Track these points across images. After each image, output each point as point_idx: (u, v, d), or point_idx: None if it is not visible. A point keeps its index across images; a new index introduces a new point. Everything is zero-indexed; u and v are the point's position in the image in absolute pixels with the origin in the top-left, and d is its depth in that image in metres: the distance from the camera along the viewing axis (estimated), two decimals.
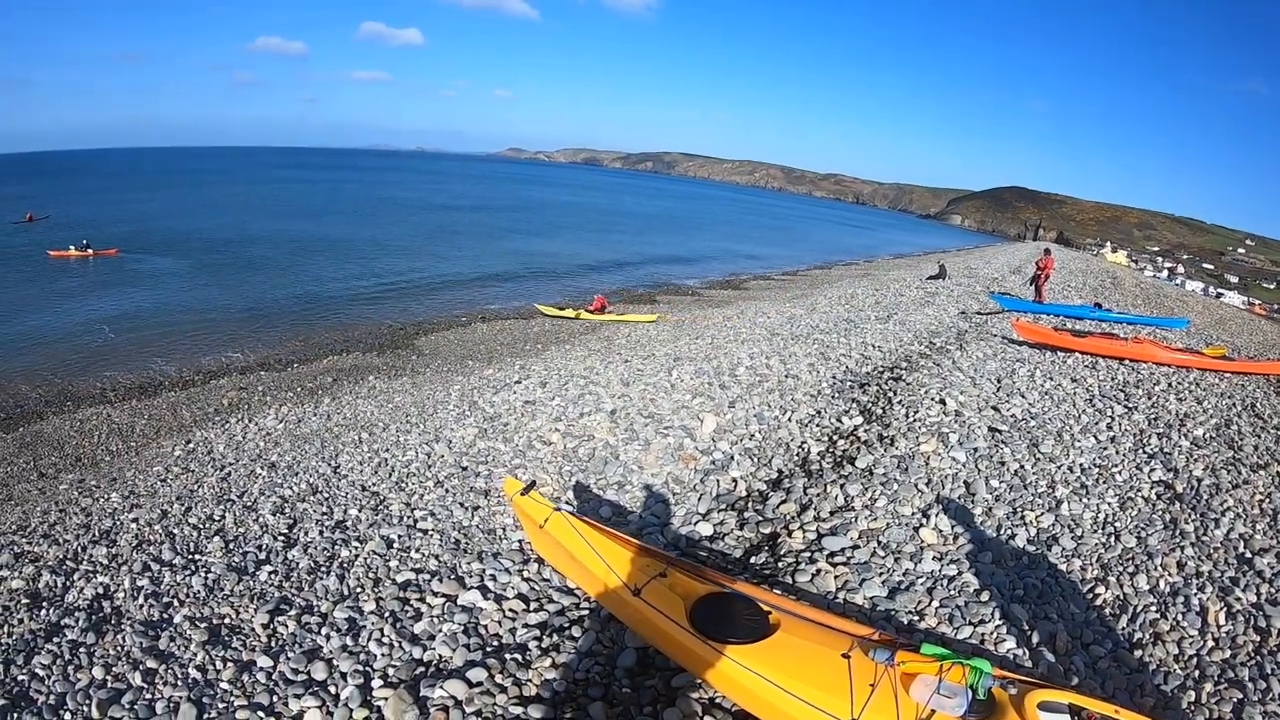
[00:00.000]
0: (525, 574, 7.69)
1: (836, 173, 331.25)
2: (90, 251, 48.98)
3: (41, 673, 6.56)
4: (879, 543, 7.81)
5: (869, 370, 15.21)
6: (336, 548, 8.79)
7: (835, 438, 11.22)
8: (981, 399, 12.52)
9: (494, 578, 7.66)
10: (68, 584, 8.42)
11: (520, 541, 8.51)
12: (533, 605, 7.14)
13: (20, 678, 6.52)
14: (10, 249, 51.96)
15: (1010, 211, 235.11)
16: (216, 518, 10.21)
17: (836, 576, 7.24)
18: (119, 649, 6.85)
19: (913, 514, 8.36)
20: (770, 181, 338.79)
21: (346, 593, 7.63)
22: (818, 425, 11.75)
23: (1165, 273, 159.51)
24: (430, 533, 9.02)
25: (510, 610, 7.04)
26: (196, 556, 8.89)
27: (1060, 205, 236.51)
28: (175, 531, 9.78)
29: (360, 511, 9.96)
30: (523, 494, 6.94)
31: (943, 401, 12.31)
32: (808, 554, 7.75)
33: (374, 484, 11.13)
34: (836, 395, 13.34)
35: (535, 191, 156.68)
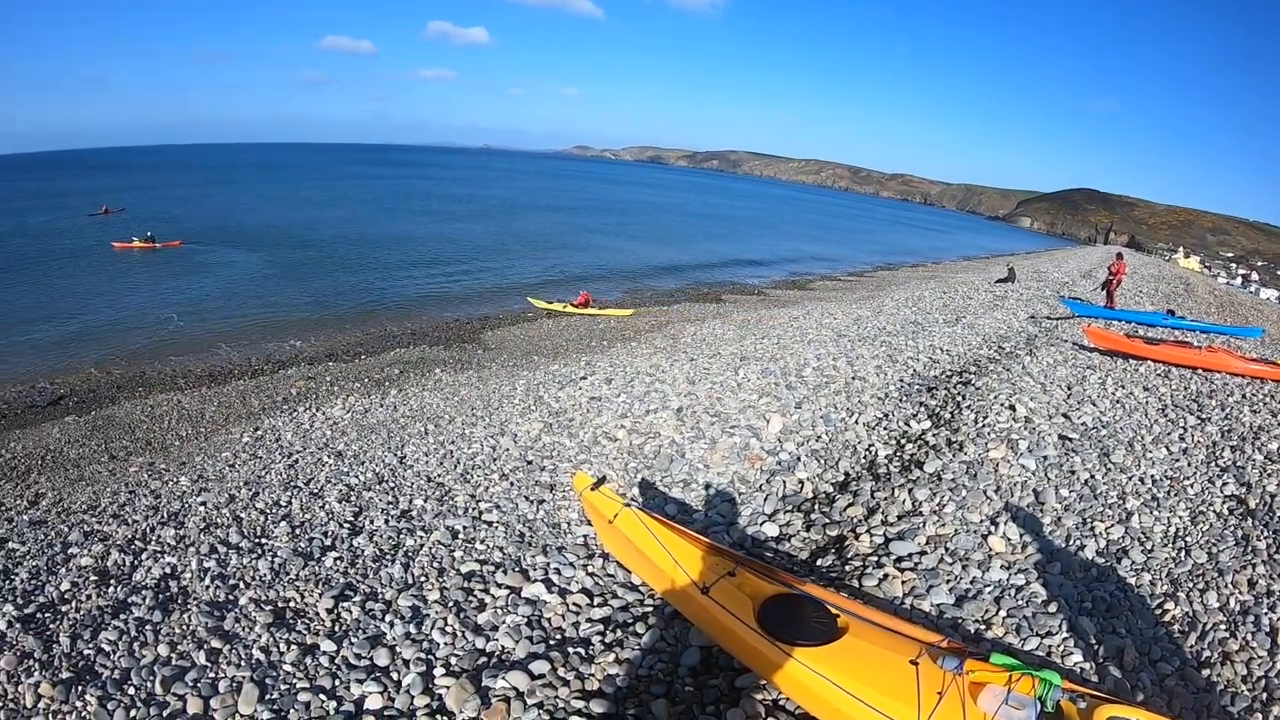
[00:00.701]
0: (589, 569, 7.67)
1: (904, 173, 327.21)
2: (155, 244, 49.91)
3: (107, 648, 6.64)
4: (946, 549, 7.68)
5: (937, 374, 15.02)
6: (401, 536, 8.83)
7: (903, 441, 11.08)
8: (1052, 406, 12.29)
9: (558, 571, 7.64)
10: (136, 563, 8.51)
11: (585, 536, 8.48)
12: (596, 600, 7.10)
13: (86, 652, 6.60)
14: (82, 241, 53.36)
15: (1080, 214, 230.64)
16: (283, 503, 10.29)
17: (904, 582, 7.13)
18: (184, 628, 6.92)
19: (981, 521, 8.22)
20: (837, 181, 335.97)
21: (410, 581, 7.65)
22: (885, 428, 11.62)
23: (1239, 279, 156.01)
24: (495, 525, 9.03)
25: (574, 604, 7.01)
26: (263, 541, 8.97)
27: (1131, 208, 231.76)
28: (242, 516, 9.87)
29: (426, 502, 10.00)
30: (593, 489, 6.93)
31: (1012, 408, 12.11)
32: (875, 558, 7.64)
33: (439, 475, 11.16)
34: (904, 399, 13.19)
35: (601, 189, 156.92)
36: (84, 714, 5.83)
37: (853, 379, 14.41)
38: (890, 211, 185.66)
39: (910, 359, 16.28)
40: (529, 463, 11.31)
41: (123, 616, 7.16)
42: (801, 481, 9.74)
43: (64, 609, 7.44)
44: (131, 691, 6.06)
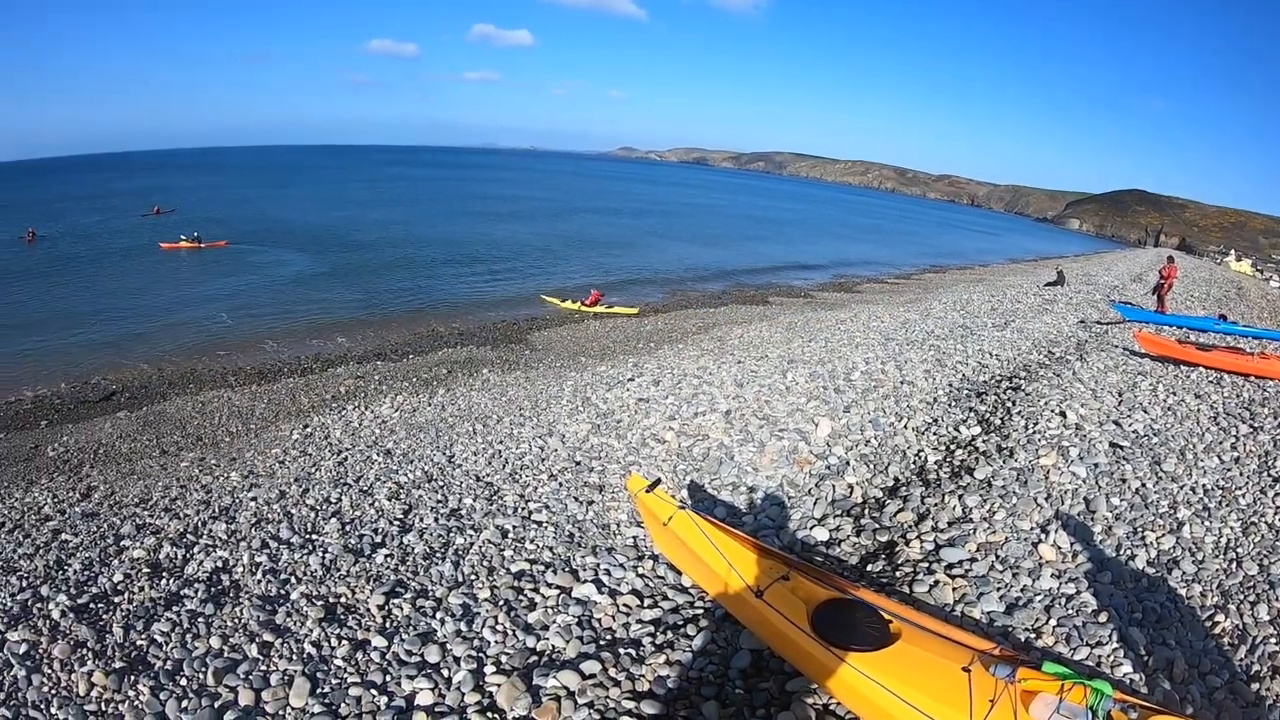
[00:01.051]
0: (640, 570, 7.68)
1: (951, 174, 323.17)
2: (200, 244, 50.64)
3: (160, 639, 6.73)
4: (997, 556, 7.61)
5: (986, 379, 14.89)
6: (451, 535, 8.87)
7: (953, 447, 11.00)
8: (1102, 412, 12.15)
9: (608, 572, 7.66)
10: (188, 556, 8.61)
11: (635, 538, 8.50)
12: (647, 602, 7.11)
13: (139, 643, 6.69)
14: (133, 241, 54.29)
15: (1129, 216, 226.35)
16: (333, 500, 10.38)
17: (955, 589, 7.07)
18: (236, 621, 7.00)
19: (1031, 529, 8.13)
20: (883, 182, 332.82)
21: (461, 579, 7.69)
22: (934, 434, 11.54)
23: None
24: (544, 525, 9.06)
25: (624, 605, 7.02)
26: (314, 537, 9.04)
27: (1182, 210, 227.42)
28: (293, 512, 9.96)
29: (475, 501, 10.05)
30: (647, 491, 6.94)
31: (1063, 414, 11.97)
32: (925, 564, 7.59)
33: (488, 474, 11.21)
34: (953, 404, 13.09)
35: (646, 190, 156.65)
36: (136, 703, 5.90)
37: (901, 383, 14.32)
38: (937, 213, 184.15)
39: (959, 363, 16.15)
40: (577, 463, 11.33)
41: (175, 609, 7.24)
42: (851, 486, 9.68)
43: (116, 600, 7.55)
44: (183, 682, 6.14)
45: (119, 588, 7.83)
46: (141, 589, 7.75)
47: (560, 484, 10.48)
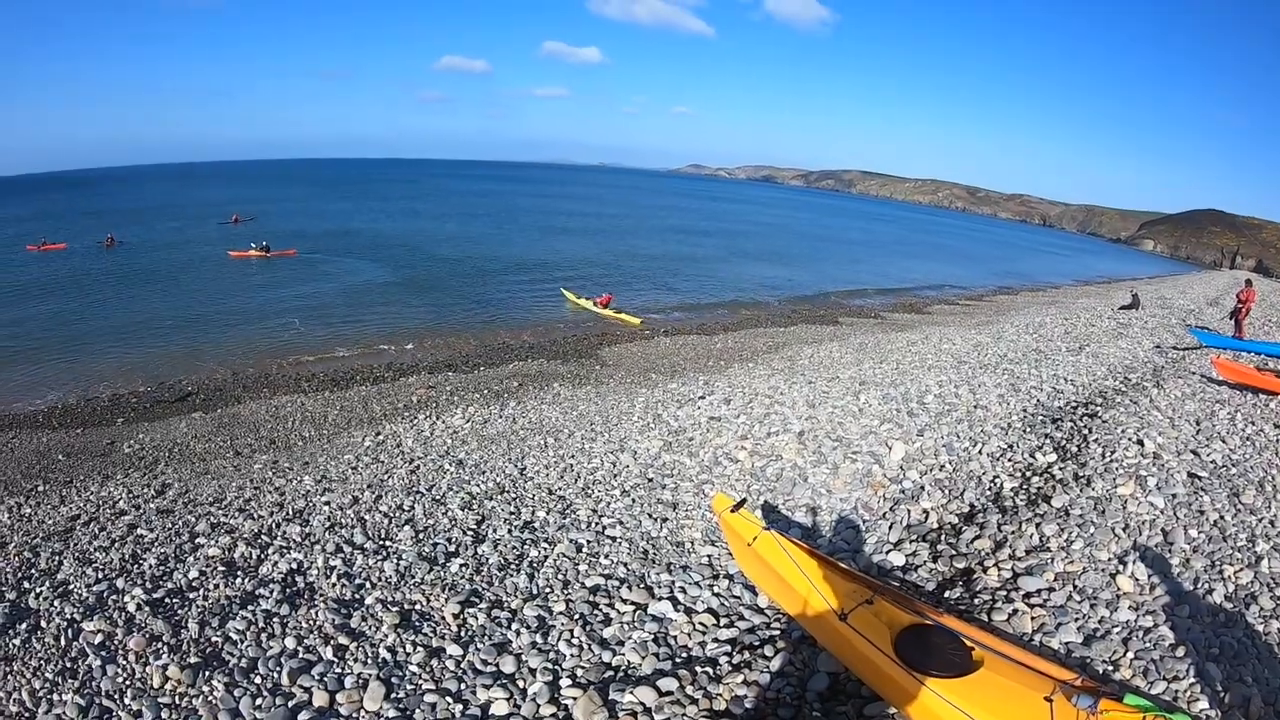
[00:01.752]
0: (715, 589, 7.65)
1: (1022, 193, 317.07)
2: (268, 252, 51.60)
3: (235, 637, 6.82)
4: (1075, 587, 7.47)
5: (1061, 404, 14.64)
6: (525, 547, 8.92)
7: (1029, 474, 10.83)
8: (1180, 441, 11.88)
9: (684, 590, 7.64)
10: (262, 557, 8.74)
11: (709, 556, 8.48)
12: (723, 621, 7.08)
13: (214, 639, 6.78)
14: (206, 248, 55.50)
15: (1205, 237, 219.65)
16: (406, 508, 10.45)
17: (1033, 618, 6.95)
18: (311, 623, 7.07)
19: (1109, 559, 7.97)
20: (954, 202, 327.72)
21: (536, 592, 7.72)
22: (1010, 460, 11.36)
23: None
24: (619, 540, 9.08)
25: (700, 624, 6.99)
26: (387, 543, 9.11)
27: (1259, 230, 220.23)
28: (366, 517, 10.04)
29: (548, 514, 10.10)
30: (732, 511, 6.91)
31: (1140, 442, 11.74)
32: (1004, 593, 7.46)
33: (560, 488, 11.26)
34: (1028, 429, 12.91)
35: (714, 207, 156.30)
36: (210, 699, 5.98)
37: (975, 407, 14.16)
38: (1007, 233, 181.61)
39: (1034, 388, 15.92)
40: (649, 480, 11.34)
41: (250, 608, 7.34)
42: (926, 511, 9.57)
43: (191, 596, 7.67)
44: (258, 680, 6.21)
45: (194, 584, 7.96)
46: (216, 586, 7.87)
47: (633, 500, 10.51)
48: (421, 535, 9.36)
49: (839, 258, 77.94)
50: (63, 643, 6.70)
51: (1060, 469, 10.93)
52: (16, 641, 6.73)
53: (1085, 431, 12.73)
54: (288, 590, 7.77)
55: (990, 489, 10.31)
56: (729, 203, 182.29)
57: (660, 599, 7.43)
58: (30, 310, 35.20)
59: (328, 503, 10.80)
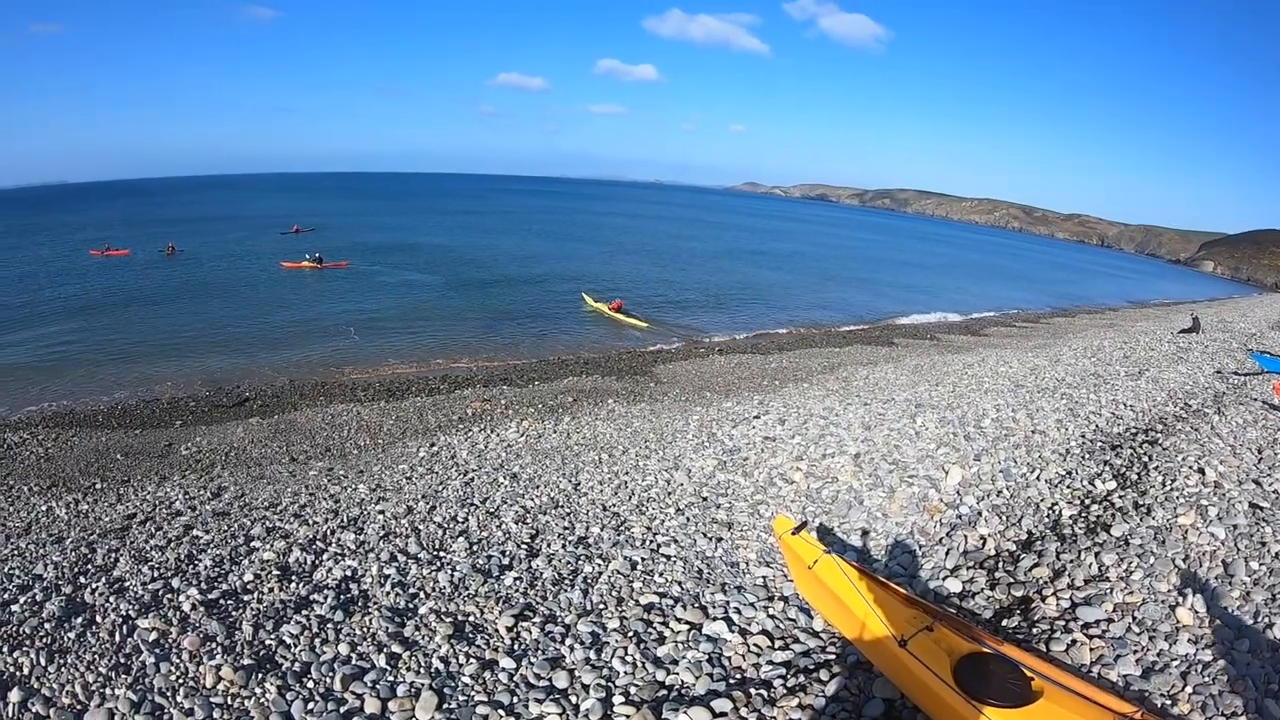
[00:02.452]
0: (770, 611, 7.58)
1: (1080, 213, 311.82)
2: (321, 264, 52.54)
3: (289, 641, 6.86)
4: (1134, 618, 7.34)
5: (1120, 431, 14.39)
6: (580, 563, 8.92)
7: (1088, 501, 10.67)
8: (1242, 470, 11.60)
9: (738, 611, 7.58)
10: (316, 563, 8.80)
11: (764, 578, 8.42)
12: (778, 643, 7.01)
13: (268, 642, 6.82)
14: (263, 258, 56.47)
15: (1267, 258, 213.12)
16: (460, 519, 10.50)
17: (1092, 649, 6.83)
18: (365, 630, 7.09)
19: (1169, 591, 7.82)
20: (1010, 222, 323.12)
21: (590, 608, 7.70)
22: (1068, 487, 11.18)
23: None
24: (673, 559, 9.04)
25: (755, 645, 6.93)
26: (441, 554, 9.15)
27: None
28: (420, 528, 10.09)
29: (602, 530, 10.10)
30: (793, 533, 6.88)
31: (1201, 471, 11.49)
32: (1062, 623, 7.35)
33: (614, 505, 11.27)
34: (1087, 456, 12.70)
35: (769, 224, 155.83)
36: (262, 701, 6.00)
37: (1033, 432, 13.96)
38: (1065, 254, 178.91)
39: (1092, 413, 15.65)
40: (704, 499, 11.31)
41: (304, 612, 7.39)
42: (983, 537, 9.44)
43: (246, 599, 7.74)
44: (310, 685, 6.23)
45: (249, 587, 8.03)
46: (271, 590, 7.93)
47: (687, 519, 10.47)
48: (475, 547, 9.38)
49: (894, 279, 77.42)
50: (117, 638, 6.77)
51: (1120, 497, 10.75)
52: (71, 635, 6.81)
53: (1145, 459, 12.51)
54: (342, 597, 7.80)
55: (1049, 516, 10.16)
56: (783, 221, 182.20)
57: (715, 619, 7.38)
58: (93, 313, 36.16)
59: (382, 511, 10.88)
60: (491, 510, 10.97)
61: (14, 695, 5.89)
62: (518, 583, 8.27)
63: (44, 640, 6.69)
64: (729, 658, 6.73)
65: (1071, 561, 8.64)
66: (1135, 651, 6.75)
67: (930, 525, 9.81)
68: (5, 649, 6.52)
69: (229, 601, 7.61)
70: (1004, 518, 10.01)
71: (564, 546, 9.43)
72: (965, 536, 9.41)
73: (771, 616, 7.48)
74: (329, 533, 9.88)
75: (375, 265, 55.71)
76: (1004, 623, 7.53)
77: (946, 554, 9.00)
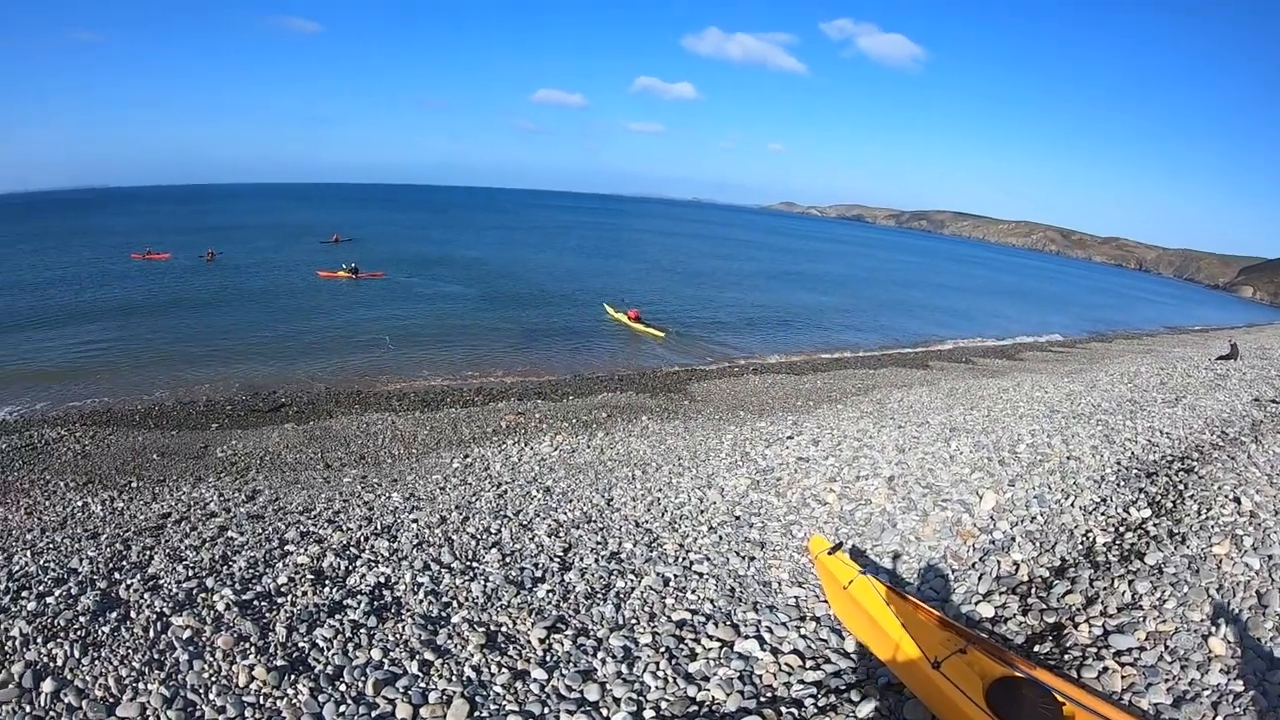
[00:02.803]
0: (802, 630, 7.57)
1: (1117, 236, 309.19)
2: (356, 274, 53.34)
3: (322, 644, 6.90)
4: (1166, 647, 7.30)
5: (1156, 458, 14.21)
6: (612, 577, 8.94)
7: (1122, 529, 10.61)
8: (1278, 500, 11.64)
9: (770, 630, 7.57)
10: (350, 568, 8.85)
11: (796, 598, 8.41)
12: (809, 663, 6.99)
13: (301, 644, 6.86)
14: (299, 267, 57.06)
15: None
16: (493, 531, 10.55)
17: (1124, 677, 6.79)
18: (398, 636, 7.13)
19: (1202, 620, 7.76)
20: (1047, 245, 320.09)
21: (622, 622, 7.72)
22: (1103, 514, 11.08)
23: None
24: (705, 577, 9.04)
25: (786, 664, 6.92)
26: (474, 564, 9.18)
27: None
28: (453, 538, 10.14)
29: (635, 546, 10.12)
30: (829, 553, 6.90)
31: (1237, 500, 11.35)
32: (1094, 649, 7.32)
33: (647, 521, 11.29)
34: (1122, 483, 12.58)
35: (805, 245, 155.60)
36: (295, 702, 6.04)
37: (1067, 458, 13.85)
38: (1102, 278, 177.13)
39: (1128, 440, 15.48)
40: (737, 518, 11.31)
41: (338, 617, 7.43)
42: (1016, 563, 9.38)
43: (280, 601, 7.80)
44: (343, 688, 6.26)
45: (283, 589, 8.09)
46: (304, 594, 7.99)
47: (720, 537, 10.48)
48: (508, 559, 9.42)
49: (929, 301, 77.10)
50: (151, 634, 6.83)
51: (1155, 525, 10.66)
52: (106, 629, 6.88)
53: (1181, 487, 12.38)
54: (375, 603, 7.85)
55: (1082, 543, 10.08)
56: (819, 241, 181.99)
57: (746, 637, 7.38)
58: (133, 315, 36.86)
59: (415, 520, 10.95)
60: (525, 523, 11.02)
61: (47, 685, 5.95)
62: (550, 595, 8.30)
63: (78, 633, 6.77)
64: (760, 676, 6.72)
65: (1105, 589, 8.58)
66: (1167, 680, 6.70)
67: (963, 550, 9.76)
68: (40, 640, 6.60)
69: (263, 603, 7.67)
70: (1037, 544, 9.95)
71: (597, 561, 9.46)
72: (998, 562, 9.36)
73: (803, 636, 7.47)
74: (363, 539, 9.95)
75: (412, 277, 56.23)
76: (1036, 648, 7.49)
77: (979, 579, 8.96)
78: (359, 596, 7.95)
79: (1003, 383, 28.06)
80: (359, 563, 9.02)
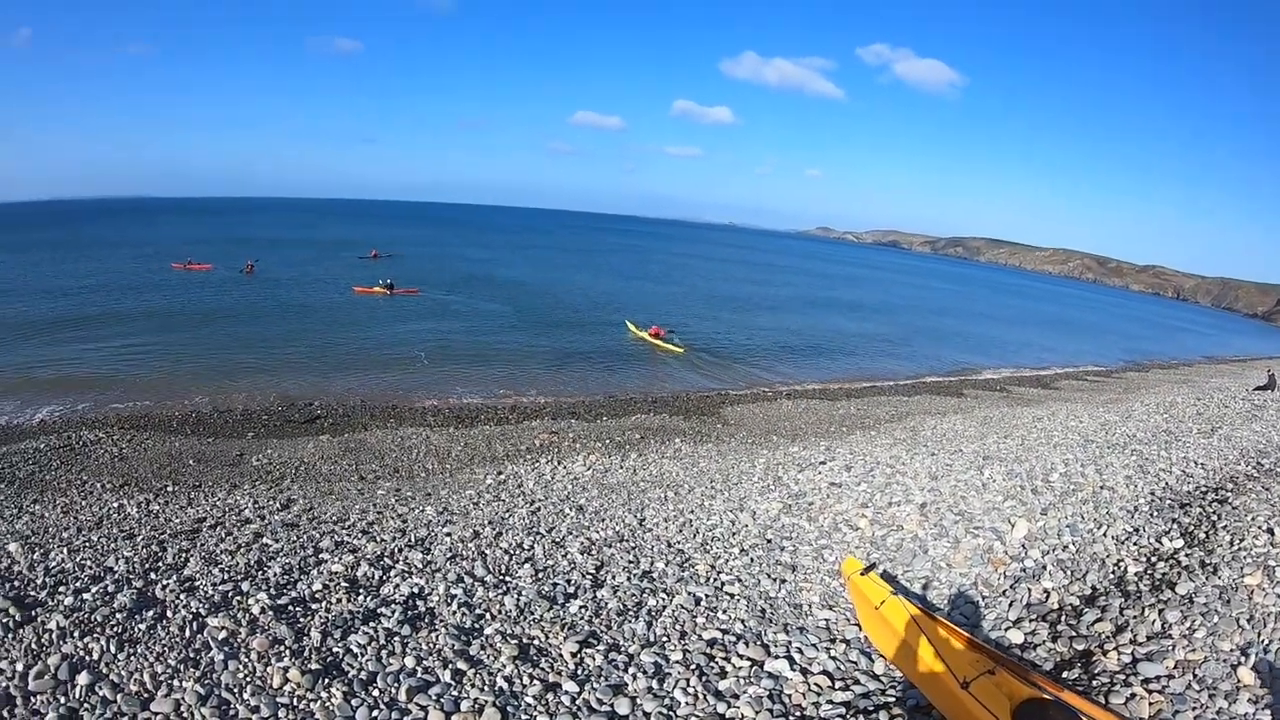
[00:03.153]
0: (832, 652, 7.59)
1: (1155, 264, 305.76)
2: (392, 290, 53.94)
3: (356, 650, 6.96)
4: (1195, 675, 7.28)
5: (1190, 489, 14.08)
6: (644, 596, 8.99)
7: (1154, 559, 10.57)
8: None
9: (800, 650, 7.59)
10: (384, 578, 8.92)
11: (826, 620, 8.42)
12: (838, 684, 7.00)
13: (335, 649, 6.93)
14: (336, 282, 57.51)
15: None
16: (526, 547, 10.62)
17: (1151, 704, 6.79)
18: (431, 645, 7.18)
19: (1231, 650, 7.72)
20: (1084, 272, 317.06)
21: (653, 639, 7.76)
22: (1135, 543, 11.02)
23: None
24: (736, 597, 9.09)
25: (815, 685, 6.94)
26: (507, 578, 9.24)
27: None
28: (487, 552, 10.21)
29: (667, 565, 10.18)
30: (862, 574, 6.95)
31: (1270, 531, 11.26)
32: (1123, 676, 7.32)
33: (679, 542, 11.34)
34: (1155, 513, 12.51)
35: (841, 270, 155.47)
36: (328, 705, 6.09)
37: (1101, 488, 13.78)
38: (1139, 307, 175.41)
39: (1162, 470, 15.34)
40: (768, 541, 11.34)
41: (372, 624, 7.50)
42: (1047, 591, 9.35)
43: (314, 607, 7.87)
44: (376, 693, 6.31)
45: (317, 596, 8.17)
46: (339, 601, 8.06)
47: (751, 559, 10.51)
48: (541, 574, 9.48)
49: (965, 329, 76.73)
50: (187, 634, 6.90)
51: (1187, 555, 10.61)
52: (142, 627, 6.96)
53: (1214, 518, 12.29)
54: (409, 612, 7.91)
55: (1114, 572, 10.05)
56: (855, 267, 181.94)
57: (777, 657, 7.41)
58: (173, 323, 37.46)
59: (449, 534, 11.04)
60: (557, 540, 11.09)
61: (83, 679, 6.04)
62: (583, 610, 8.36)
63: (114, 629, 6.86)
64: (789, 695, 6.74)
65: (1135, 617, 8.56)
66: (1194, 708, 6.69)
67: (994, 577, 9.75)
68: (76, 634, 6.69)
69: (297, 608, 7.75)
70: (1068, 572, 9.92)
71: (629, 579, 9.52)
72: (1029, 589, 9.34)
73: (833, 658, 7.48)
74: (396, 550, 10.03)
75: (449, 294, 56.64)
76: (1064, 674, 7.49)
77: (1009, 606, 8.95)
78: (393, 605, 8.01)
79: (1037, 411, 27.91)
80: (393, 573, 9.09)
